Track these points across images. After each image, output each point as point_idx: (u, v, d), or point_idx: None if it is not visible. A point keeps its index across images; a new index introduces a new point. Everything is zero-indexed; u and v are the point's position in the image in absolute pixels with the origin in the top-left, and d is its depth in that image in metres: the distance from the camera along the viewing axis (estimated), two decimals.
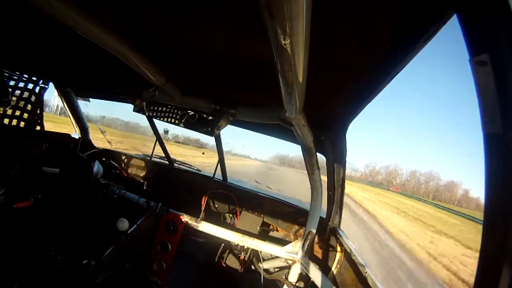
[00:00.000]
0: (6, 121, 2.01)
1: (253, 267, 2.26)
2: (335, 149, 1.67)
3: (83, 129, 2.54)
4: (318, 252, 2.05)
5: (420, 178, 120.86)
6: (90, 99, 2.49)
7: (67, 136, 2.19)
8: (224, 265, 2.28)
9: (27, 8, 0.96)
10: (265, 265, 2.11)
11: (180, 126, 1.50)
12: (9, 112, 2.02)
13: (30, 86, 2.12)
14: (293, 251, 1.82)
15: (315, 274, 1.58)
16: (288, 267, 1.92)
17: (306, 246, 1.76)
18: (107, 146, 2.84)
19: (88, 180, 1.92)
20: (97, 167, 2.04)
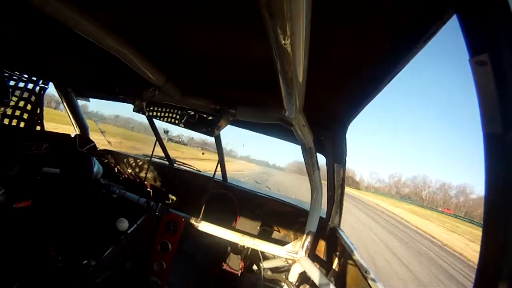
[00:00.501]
0: (6, 121, 2.02)
1: (253, 267, 2.26)
2: (335, 149, 1.67)
3: (83, 129, 2.54)
4: (318, 252, 2.05)
5: (449, 191, 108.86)
6: (91, 100, 2.50)
7: (67, 136, 2.20)
8: (224, 265, 2.28)
9: (27, 8, 0.96)
10: (265, 265, 2.11)
11: (180, 126, 1.50)
12: (9, 112, 2.03)
13: (30, 86, 2.12)
14: (293, 251, 1.82)
15: (315, 274, 1.58)
16: (288, 267, 1.92)
17: (306, 246, 1.76)
18: (107, 146, 2.84)
19: (89, 180, 1.92)
20: (97, 167, 2.04)
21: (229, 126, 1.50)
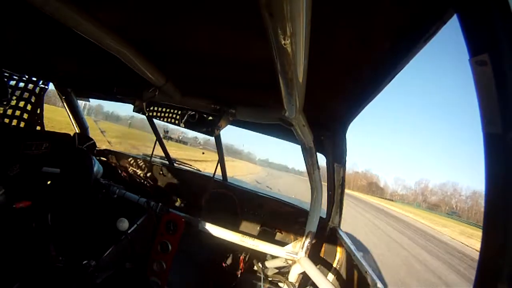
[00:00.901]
0: (6, 121, 2.02)
1: (253, 267, 2.26)
2: (335, 149, 1.67)
3: (83, 129, 2.55)
4: (318, 252, 2.05)
5: (479, 200, 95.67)
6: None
7: (67, 135, 2.20)
8: (224, 265, 2.28)
9: (27, 8, 0.96)
10: (265, 265, 2.11)
11: (181, 126, 1.50)
12: (9, 112, 2.03)
13: (30, 86, 2.12)
14: (293, 251, 1.82)
15: (315, 274, 1.58)
16: (288, 267, 1.92)
17: (306, 246, 1.76)
18: (107, 146, 2.84)
19: (89, 179, 1.92)
20: (97, 167, 2.04)
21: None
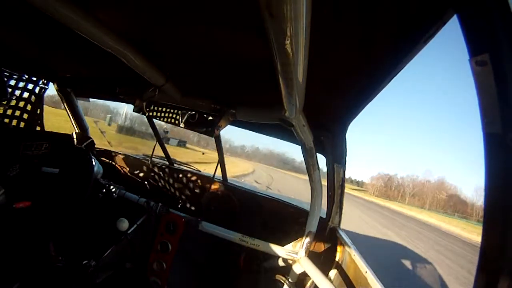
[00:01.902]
0: (6, 121, 2.01)
1: (253, 267, 2.26)
2: (335, 150, 1.67)
3: (83, 129, 2.55)
4: (318, 252, 2.05)
5: None
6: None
7: (68, 136, 2.20)
8: (224, 265, 2.28)
9: (27, 8, 0.96)
10: (265, 265, 2.11)
11: (181, 127, 1.50)
12: (9, 112, 2.03)
13: (30, 86, 2.12)
14: (293, 251, 1.81)
15: (315, 274, 1.58)
16: (288, 267, 1.92)
17: (306, 246, 1.76)
18: (107, 146, 2.84)
19: (89, 179, 1.92)
20: (97, 167, 2.04)
21: None
